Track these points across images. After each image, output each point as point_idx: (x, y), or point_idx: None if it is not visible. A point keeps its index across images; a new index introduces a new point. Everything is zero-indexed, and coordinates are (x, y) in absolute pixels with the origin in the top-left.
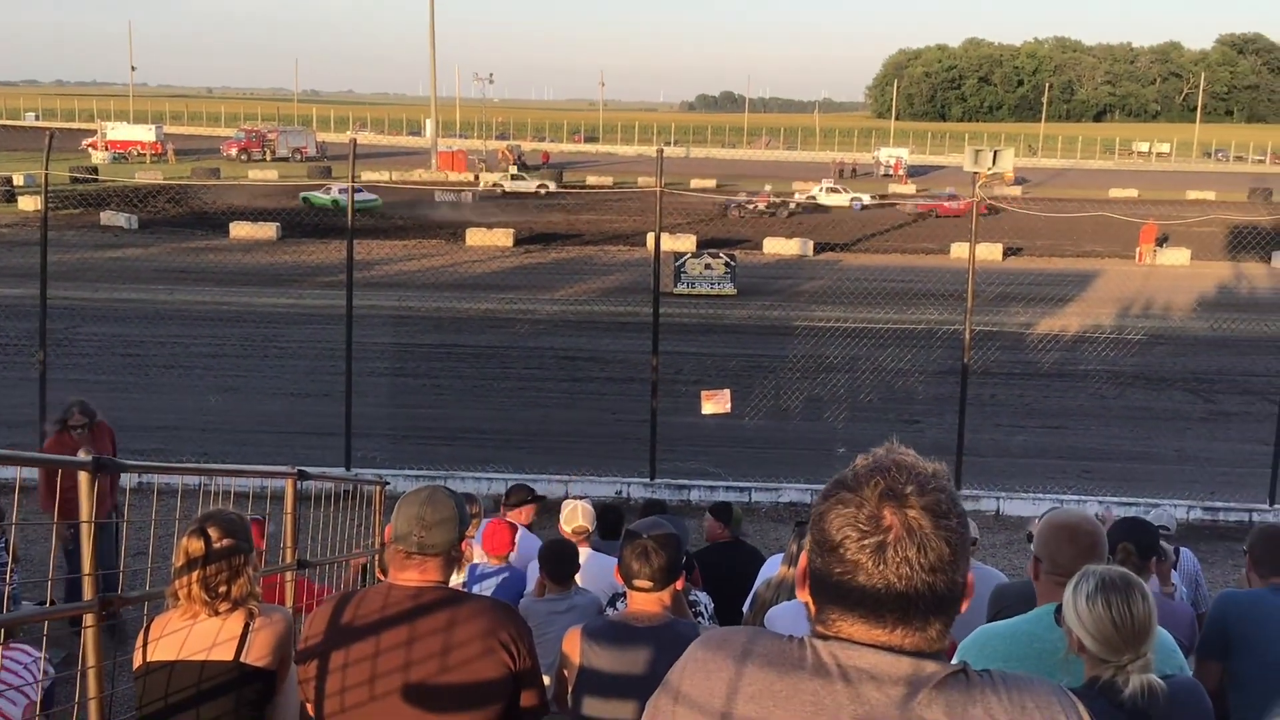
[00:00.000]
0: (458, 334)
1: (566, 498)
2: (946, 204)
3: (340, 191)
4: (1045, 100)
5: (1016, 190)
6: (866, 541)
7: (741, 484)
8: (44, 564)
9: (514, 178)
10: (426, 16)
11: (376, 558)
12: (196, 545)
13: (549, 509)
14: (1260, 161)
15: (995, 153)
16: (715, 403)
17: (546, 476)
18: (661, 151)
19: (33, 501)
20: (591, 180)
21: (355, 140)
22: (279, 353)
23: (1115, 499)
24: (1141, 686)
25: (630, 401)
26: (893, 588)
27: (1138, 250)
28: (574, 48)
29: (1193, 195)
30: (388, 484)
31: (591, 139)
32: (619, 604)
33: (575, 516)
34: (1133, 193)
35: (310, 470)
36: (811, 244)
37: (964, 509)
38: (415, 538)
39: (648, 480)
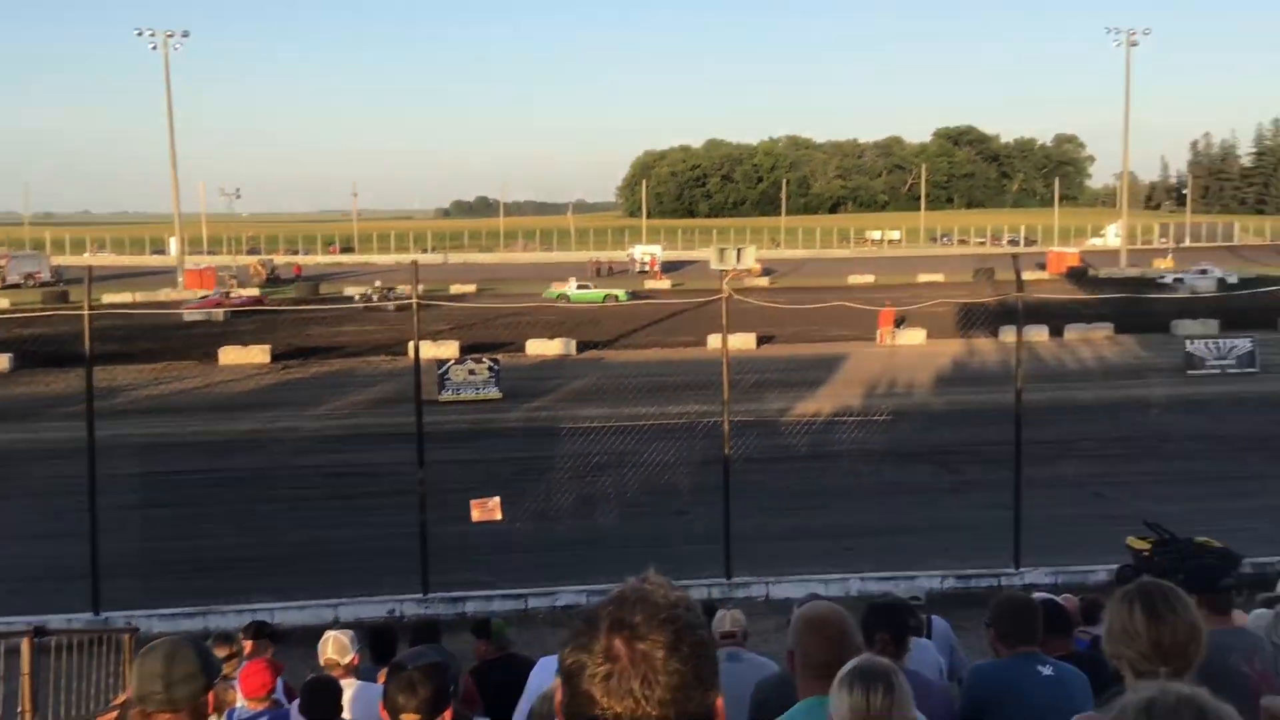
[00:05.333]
0: (217, 458)
1: (335, 623)
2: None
3: None
4: (784, 195)
5: (765, 280)
6: (595, 671)
7: (517, 590)
8: None
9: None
10: (165, 132)
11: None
12: None
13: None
14: (981, 244)
15: (739, 250)
16: (484, 510)
17: (315, 602)
18: (416, 263)
19: None
20: (350, 291)
21: (91, 269)
22: (19, 493)
23: (876, 574)
24: None
25: (402, 515)
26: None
27: (879, 333)
28: (324, 158)
29: (924, 278)
30: (138, 630)
31: (347, 249)
32: None
33: (325, 649)
34: (869, 278)
35: (50, 625)
36: (574, 343)
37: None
38: (159, 696)
39: (421, 596)
